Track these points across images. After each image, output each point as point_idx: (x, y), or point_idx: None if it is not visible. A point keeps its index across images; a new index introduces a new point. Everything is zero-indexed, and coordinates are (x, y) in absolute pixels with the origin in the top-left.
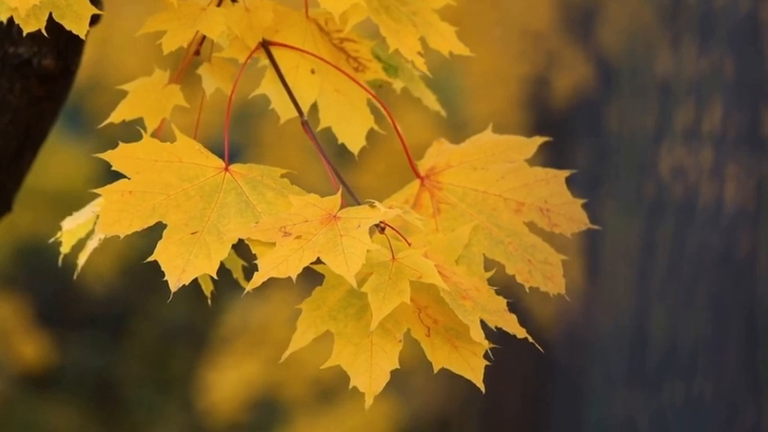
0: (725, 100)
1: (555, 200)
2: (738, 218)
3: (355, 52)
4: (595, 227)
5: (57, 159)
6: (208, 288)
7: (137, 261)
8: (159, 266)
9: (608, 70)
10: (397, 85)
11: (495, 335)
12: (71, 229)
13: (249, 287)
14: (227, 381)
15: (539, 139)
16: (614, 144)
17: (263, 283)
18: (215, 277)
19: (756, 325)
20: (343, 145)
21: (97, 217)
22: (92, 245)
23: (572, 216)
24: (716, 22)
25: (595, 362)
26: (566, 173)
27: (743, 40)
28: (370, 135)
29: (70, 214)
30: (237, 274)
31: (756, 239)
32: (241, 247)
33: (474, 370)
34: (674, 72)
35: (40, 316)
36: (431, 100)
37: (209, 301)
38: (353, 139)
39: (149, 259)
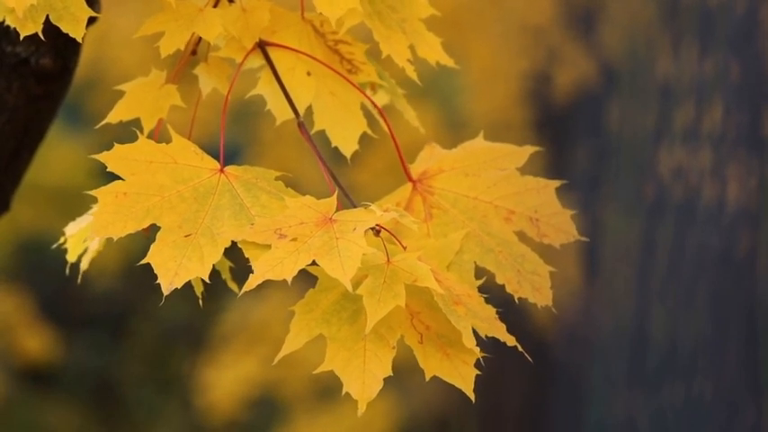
0: (725, 100)
1: (544, 210)
2: (738, 218)
3: (349, 54)
4: (583, 238)
5: (56, 155)
6: (199, 289)
7: (137, 261)
8: None
9: (609, 70)
10: (381, 98)
11: (493, 338)
12: (75, 234)
13: (244, 289)
14: (226, 379)
15: (530, 149)
16: (614, 144)
17: (262, 282)
18: (207, 281)
19: (756, 325)
20: None
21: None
22: (93, 246)
23: (561, 227)
24: (716, 23)
25: (595, 362)
26: (556, 183)
27: (743, 40)
28: (368, 133)
29: (71, 210)
30: (225, 275)
31: (756, 239)
32: (231, 249)
33: (465, 379)
34: (674, 72)
35: (41, 313)
36: (411, 116)
37: (201, 303)
38: (346, 143)
39: (143, 262)
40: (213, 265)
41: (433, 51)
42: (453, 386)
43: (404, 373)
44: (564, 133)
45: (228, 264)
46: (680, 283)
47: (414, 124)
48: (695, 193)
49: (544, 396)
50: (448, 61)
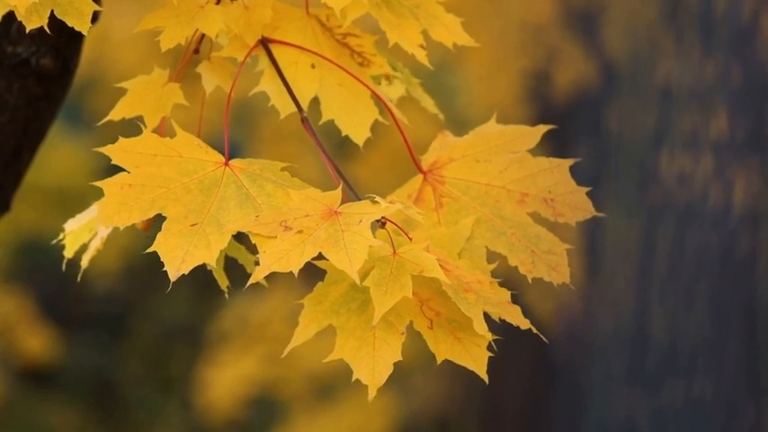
0: (726, 102)
1: (559, 189)
2: (739, 219)
3: (359, 47)
4: (600, 214)
5: (58, 156)
6: (224, 283)
7: (138, 260)
8: (161, 266)
9: (609, 70)
10: (396, 88)
11: (497, 333)
12: (74, 230)
13: (251, 281)
14: (226, 378)
15: (543, 128)
16: (615, 144)
17: (266, 276)
18: (215, 267)
19: (756, 325)
20: (343, 139)
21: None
22: (94, 245)
23: (577, 204)
24: (718, 25)
25: (595, 361)
26: (570, 161)
27: (745, 43)
28: (371, 129)
29: (72, 210)
30: (251, 270)
31: (756, 240)
32: (246, 245)
33: (477, 361)
34: (674, 74)
35: (41, 313)
36: (429, 104)
37: (227, 295)
38: (358, 131)
39: (149, 250)
40: (230, 259)
41: (451, 33)
42: (453, 386)
43: (404, 373)
44: (564, 133)
45: (255, 258)
46: (680, 283)
47: (432, 111)
48: (696, 194)
49: (544, 396)
50: (467, 41)
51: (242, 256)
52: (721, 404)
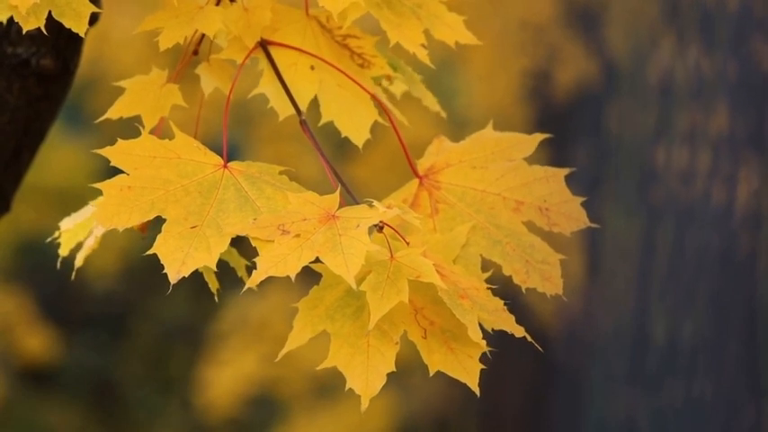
0: (726, 100)
1: (554, 199)
2: (739, 218)
3: (359, 48)
4: (594, 225)
5: (57, 156)
6: (214, 285)
7: (137, 261)
8: (160, 266)
9: (610, 70)
10: (398, 87)
11: (494, 334)
12: (70, 229)
13: (248, 285)
14: (226, 377)
15: (539, 136)
16: (615, 144)
17: (265, 278)
18: (215, 269)
19: (756, 325)
20: (342, 140)
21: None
22: (89, 243)
23: (571, 215)
24: (718, 23)
25: (595, 361)
26: (565, 171)
27: (746, 40)
28: (371, 130)
29: (72, 211)
30: (242, 273)
31: (757, 240)
32: (244, 246)
33: (469, 373)
34: (675, 72)
35: (41, 313)
36: (431, 101)
37: (216, 298)
38: (357, 132)
39: (148, 252)
40: (225, 261)
41: (454, 31)
42: (453, 386)
43: (403, 373)
44: (564, 132)
45: (245, 262)
46: (680, 283)
47: (434, 109)
48: (696, 194)
49: (544, 396)
50: (471, 39)
51: (233, 259)
52: (721, 404)
